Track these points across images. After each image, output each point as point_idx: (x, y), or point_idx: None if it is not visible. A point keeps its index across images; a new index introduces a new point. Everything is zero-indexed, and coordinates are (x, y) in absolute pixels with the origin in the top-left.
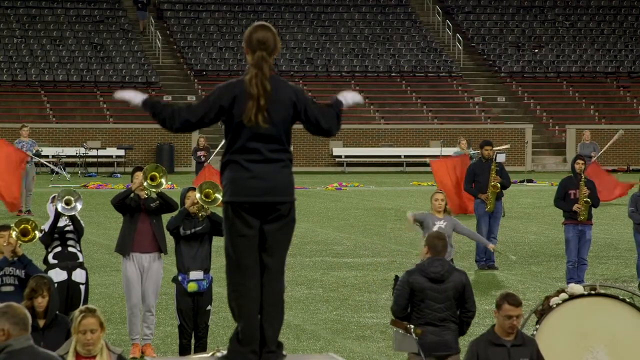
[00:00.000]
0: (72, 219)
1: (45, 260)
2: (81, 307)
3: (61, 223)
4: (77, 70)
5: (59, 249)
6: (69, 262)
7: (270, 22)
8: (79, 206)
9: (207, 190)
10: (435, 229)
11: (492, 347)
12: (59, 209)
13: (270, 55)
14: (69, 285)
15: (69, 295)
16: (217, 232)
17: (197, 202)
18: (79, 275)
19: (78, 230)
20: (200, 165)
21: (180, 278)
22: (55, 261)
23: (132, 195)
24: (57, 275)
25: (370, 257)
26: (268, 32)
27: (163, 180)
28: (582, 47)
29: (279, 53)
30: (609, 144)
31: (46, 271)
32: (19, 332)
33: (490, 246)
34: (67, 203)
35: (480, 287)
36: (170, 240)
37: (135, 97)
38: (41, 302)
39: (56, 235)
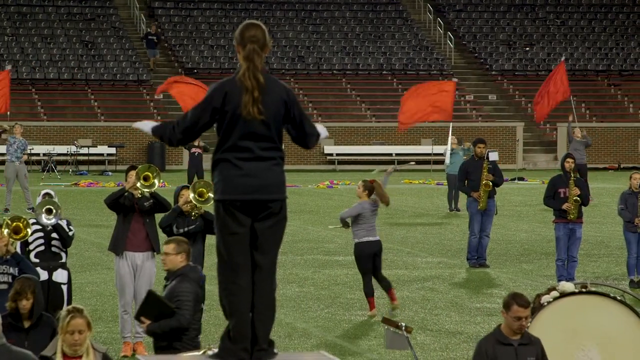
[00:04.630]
0: (58, 231)
1: (27, 259)
2: (68, 307)
3: (46, 221)
4: (68, 68)
5: (41, 248)
6: (50, 262)
7: (262, 20)
8: (54, 220)
9: (200, 189)
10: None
11: (500, 346)
12: (42, 219)
13: (262, 51)
14: (49, 286)
15: (49, 296)
16: (211, 231)
17: (190, 201)
18: (60, 276)
19: (64, 243)
20: (194, 158)
21: None
22: (37, 260)
23: (125, 194)
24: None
25: None
26: (259, 29)
27: (156, 181)
28: (573, 45)
29: (270, 51)
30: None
31: None
32: None
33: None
34: (49, 212)
35: (471, 285)
36: (163, 239)
37: (144, 126)
38: (25, 304)
39: (41, 234)
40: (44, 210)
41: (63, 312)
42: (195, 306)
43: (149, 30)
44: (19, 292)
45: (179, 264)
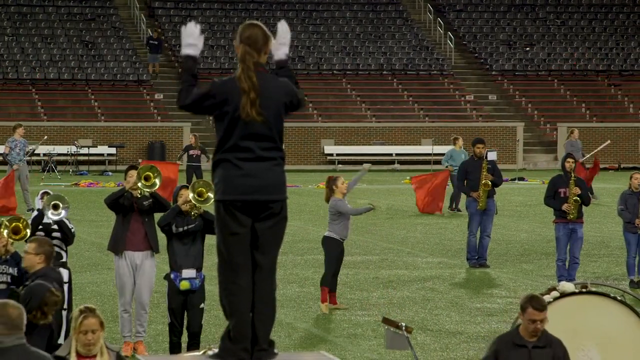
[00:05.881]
0: (61, 227)
1: None
2: (81, 307)
3: (47, 220)
4: (69, 68)
5: None
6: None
7: (262, 20)
8: (64, 213)
9: (199, 189)
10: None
11: (514, 347)
12: (48, 214)
13: (258, 52)
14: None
15: None
16: (210, 231)
17: (190, 200)
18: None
19: (67, 239)
20: (192, 159)
21: (172, 276)
22: None
23: (125, 194)
24: None
25: (361, 255)
26: (255, 29)
27: (157, 181)
28: (573, 45)
29: (271, 51)
30: (594, 151)
31: None
32: (8, 331)
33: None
34: (55, 207)
35: (471, 285)
36: (162, 238)
37: (193, 43)
38: (40, 319)
39: (41, 234)
40: (50, 205)
41: (75, 312)
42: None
43: (151, 34)
44: (44, 312)
45: (36, 265)
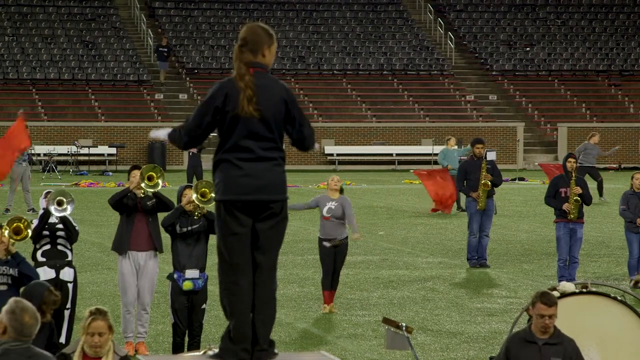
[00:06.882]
0: (65, 224)
1: (34, 257)
2: (91, 309)
3: (52, 220)
4: (69, 68)
5: (48, 247)
6: (57, 260)
7: (262, 20)
8: (69, 209)
9: (203, 189)
10: (325, 209)
11: (525, 344)
12: (52, 210)
13: (254, 52)
14: (57, 284)
15: None
16: (214, 231)
17: (193, 200)
18: (67, 274)
19: (71, 236)
20: (192, 158)
21: (175, 276)
22: (44, 259)
23: (129, 194)
24: (45, 273)
25: (362, 256)
26: (252, 30)
27: (160, 181)
28: (573, 45)
29: None
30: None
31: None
32: (15, 336)
33: (355, 236)
34: (59, 204)
35: (471, 285)
36: (166, 238)
37: (161, 134)
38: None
39: (47, 233)
40: (55, 202)
41: (86, 312)
42: None
43: (160, 43)
44: (43, 311)
45: None
